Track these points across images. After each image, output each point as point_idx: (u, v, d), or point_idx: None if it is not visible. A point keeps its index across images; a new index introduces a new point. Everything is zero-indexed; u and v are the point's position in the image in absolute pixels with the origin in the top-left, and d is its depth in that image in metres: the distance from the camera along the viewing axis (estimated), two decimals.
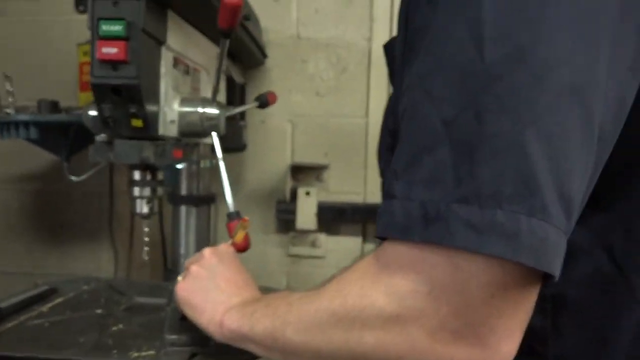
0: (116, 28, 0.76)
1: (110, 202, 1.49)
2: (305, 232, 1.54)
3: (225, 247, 0.77)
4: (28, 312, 0.92)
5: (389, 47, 0.60)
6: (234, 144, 1.40)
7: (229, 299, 0.67)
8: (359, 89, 1.50)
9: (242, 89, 1.43)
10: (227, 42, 0.87)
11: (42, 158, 1.51)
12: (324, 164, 1.54)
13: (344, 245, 1.54)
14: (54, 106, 1.07)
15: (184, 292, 0.71)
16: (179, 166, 1.18)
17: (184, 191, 1.23)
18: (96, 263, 1.52)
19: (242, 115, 1.45)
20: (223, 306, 0.65)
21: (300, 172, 1.55)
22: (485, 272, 0.39)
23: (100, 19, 0.76)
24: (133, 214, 1.02)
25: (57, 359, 0.74)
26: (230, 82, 1.27)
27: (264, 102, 1.26)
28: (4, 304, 0.90)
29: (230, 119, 1.34)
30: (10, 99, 1.02)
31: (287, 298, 0.57)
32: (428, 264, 0.41)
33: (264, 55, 1.49)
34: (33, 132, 1.03)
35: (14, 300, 0.94)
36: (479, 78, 0.40)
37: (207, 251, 0.75)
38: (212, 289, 0.69)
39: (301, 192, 1.50)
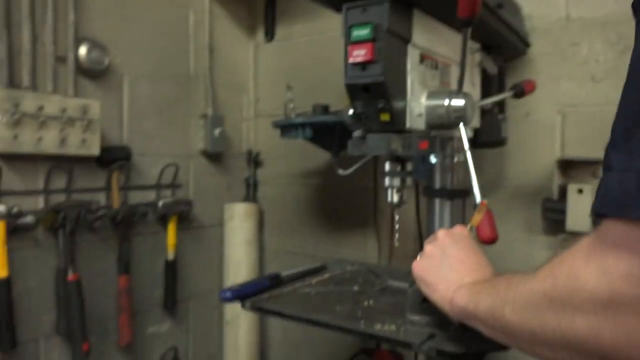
0: (364, 32, 0.84)
1: (375, 196, 1.63)
2: (577, 235, 1.38)
3: (459, 230, 0.78)
4: (301, 282, 1.10)
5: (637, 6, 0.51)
6: (492, 138, 1.36)
7: (461, 279, 0.68)
8: None
9: (501, 81, 1.38)
10: (469, 32, 0.87)
11: (320, 157, 1.76)
12: (602, 159, 1.35)
13: None
14: (325, 109, 1.24)
15: (419, 270, 0.75)
16: (432, 160, 1.22)
17: (437, 185, 1.26)
18: (363, 251, 1.68)
19: (502, 108, 1.40)
20: (454, 285, 0.67)
21: (572, 167, 1.40)
22: None
23: (351, 26, 0.85)
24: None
25: (315, 320, 0.86)
26: (484, 74, 1.25)
27: (520, 91, 1.19)
28: (284, 274, 1.10)
29: (487, 113, 1.31)
30: (291, 105, 1.23)
31: (510, 278, 0.56)
32: None
33: (526, 44, 1.40)
34: (308, 132, 1.22)
35: (293, 272, 1.13)
36: None
37: (440, 232, 0.77)
38: (444, 268, 0.71)
39: (572, 189, 1.35)
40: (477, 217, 0.81)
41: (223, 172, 1.87)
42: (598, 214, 0.40)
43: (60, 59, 1.31)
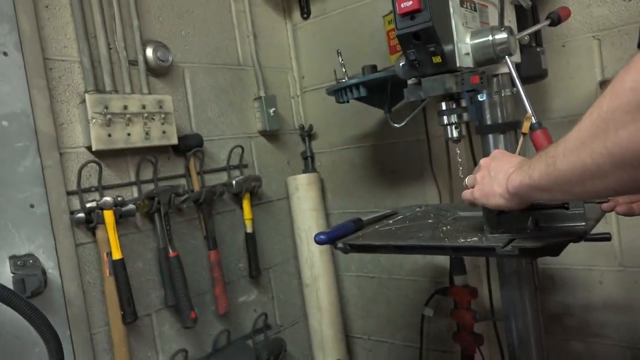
0: None
1: (428, 146, 1.72)
2: None
3: (495, 151, 0.89)
4: (379, 224, 1.21)
5: None
6: (533, 72, 1.43)
7: (507, 173, 0.76)
8: None
9: (535, 15, 1.44)
10: None
11: (372, 119, 1.87)
12: None
13: None
14: (374, 68, 1.35)
15: (477, 192, 0.85)
16: (481, 98, 1.31)
17: (488, 121, 1.35)
18: (423, 199, 1.78)
19: (539, 41, 1.46)
20: (504, 179, 0.76)
21: None
22: None
23: None
24: (445, 139, 1.20)
25: (405, 245, 0.98)
26: (519, 9, 1.32)
27: (556, 19, 1.26)
28: (365, 218, 1.21)
29: (526, 47, 1.38)
30: (343, 70, 1.34)
31: (556, 141, 0.61)
32: None
33: None
34: (362, 91, 1.32)
35: (370, 217, 1.25)
36: None
37: (481, 160, 0.88)
38: (493, 177, 0.81)
39: None
40: (525, 125, 0.92)
41: (281, 148, 2.00)
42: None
43: (132, 62, 1.46)
